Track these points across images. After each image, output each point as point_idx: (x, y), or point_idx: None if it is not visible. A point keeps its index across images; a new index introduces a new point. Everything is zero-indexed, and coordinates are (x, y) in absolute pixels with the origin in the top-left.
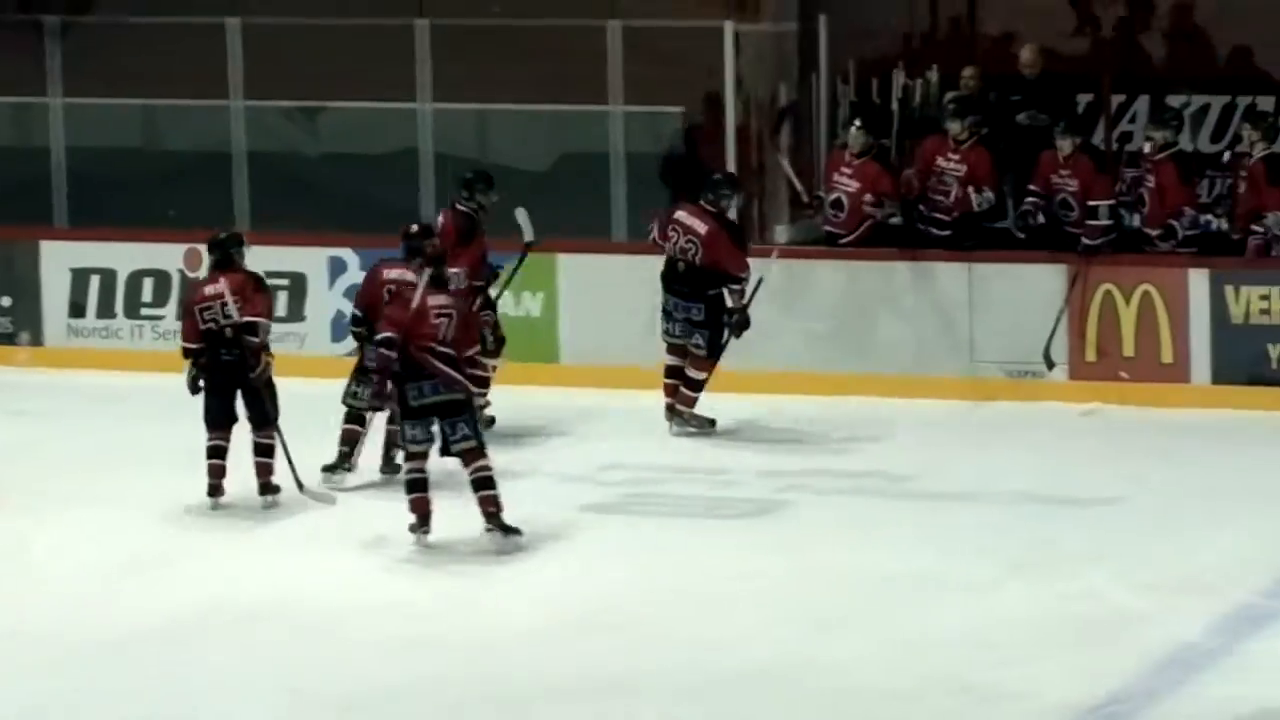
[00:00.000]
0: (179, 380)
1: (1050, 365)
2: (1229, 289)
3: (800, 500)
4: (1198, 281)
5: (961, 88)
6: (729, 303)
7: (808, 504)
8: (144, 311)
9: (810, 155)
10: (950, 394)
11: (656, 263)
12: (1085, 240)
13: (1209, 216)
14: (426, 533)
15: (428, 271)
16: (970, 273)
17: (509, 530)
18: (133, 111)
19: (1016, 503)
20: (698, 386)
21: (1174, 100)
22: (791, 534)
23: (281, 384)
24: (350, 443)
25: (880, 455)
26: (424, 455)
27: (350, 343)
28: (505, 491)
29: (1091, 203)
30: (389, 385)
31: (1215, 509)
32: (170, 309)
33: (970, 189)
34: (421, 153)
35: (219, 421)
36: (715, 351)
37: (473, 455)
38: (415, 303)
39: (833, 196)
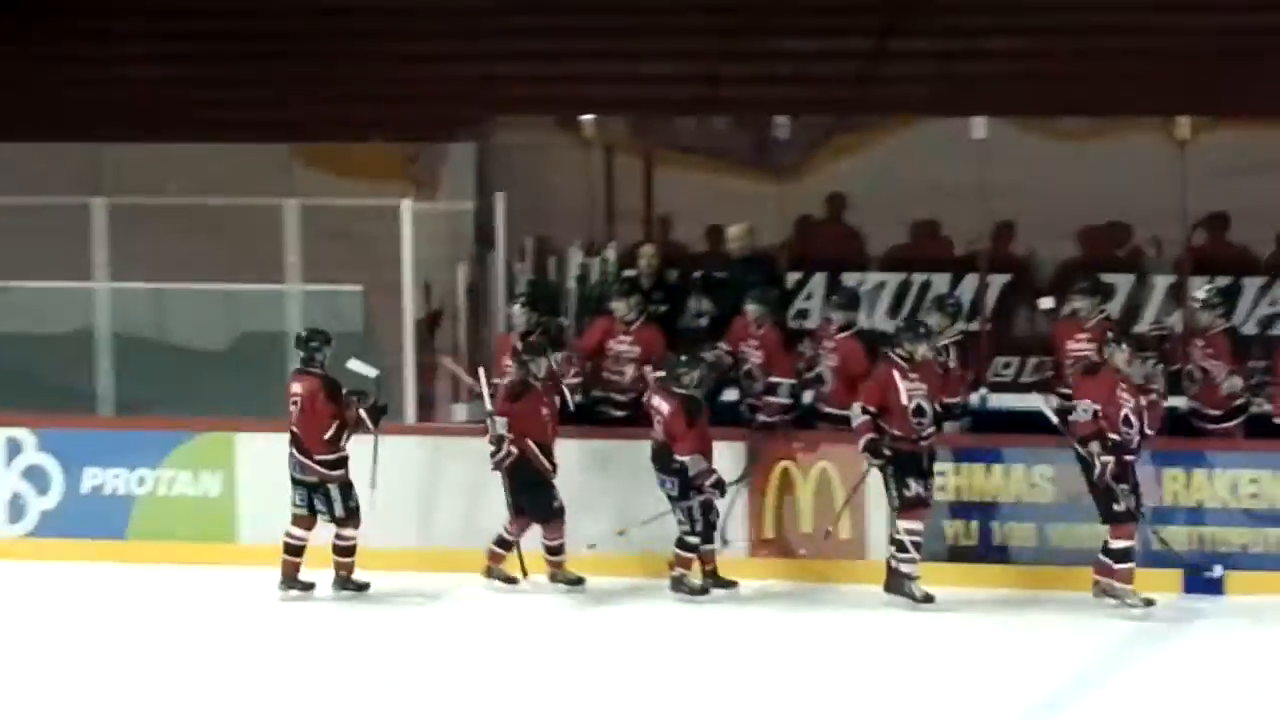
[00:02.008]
0: None
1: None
2: None
3: None
4: None
5: (640, 267)
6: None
7: None
8: None
9: (490, 334)
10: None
11: None
12: (763, 417)
13: None
14: None
15: None
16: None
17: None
18: None
19: None
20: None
21: (850, 279)
22: None
23: None
24: None
25: None
26: None
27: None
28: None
29: (772, 380)
30: None
31: None
32: None
33: (647, 369)
34: (98, 332)
35: None
36: None
37: None
38: None
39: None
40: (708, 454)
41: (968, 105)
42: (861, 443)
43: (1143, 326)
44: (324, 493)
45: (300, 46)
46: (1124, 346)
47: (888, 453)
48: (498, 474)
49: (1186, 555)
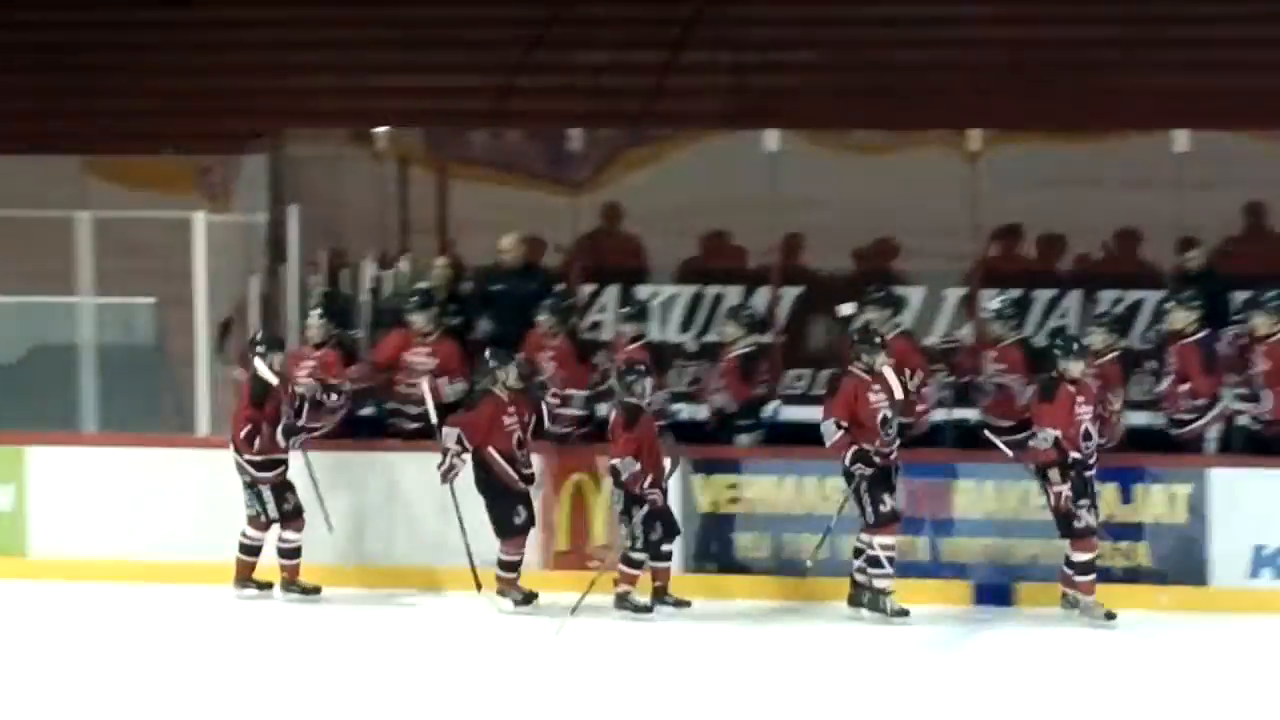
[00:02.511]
0: None
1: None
2: (698, 478)
3: None
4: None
5: (434, 278)
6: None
7: None
8: None
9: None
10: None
11: (129, 453)
12: (556, 428)
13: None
14: None
15: None
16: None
17: None
18: None
19: None
20: None
21: (643, 291)
22: None
23: None
24: None
25: None
26: None
27: None
28: None
29: (568, 391)
30: None
31: None
32: None
33: (443, 380)
34: None
35: None
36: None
37: None
38: None
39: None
40: (654, 465)
41: (760, 119)
42: (849, 455)
43: (934, 339)
44: (256, 493)
45: (93, 59)
46: (1070, 355)
47: (878, 460)
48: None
49: None
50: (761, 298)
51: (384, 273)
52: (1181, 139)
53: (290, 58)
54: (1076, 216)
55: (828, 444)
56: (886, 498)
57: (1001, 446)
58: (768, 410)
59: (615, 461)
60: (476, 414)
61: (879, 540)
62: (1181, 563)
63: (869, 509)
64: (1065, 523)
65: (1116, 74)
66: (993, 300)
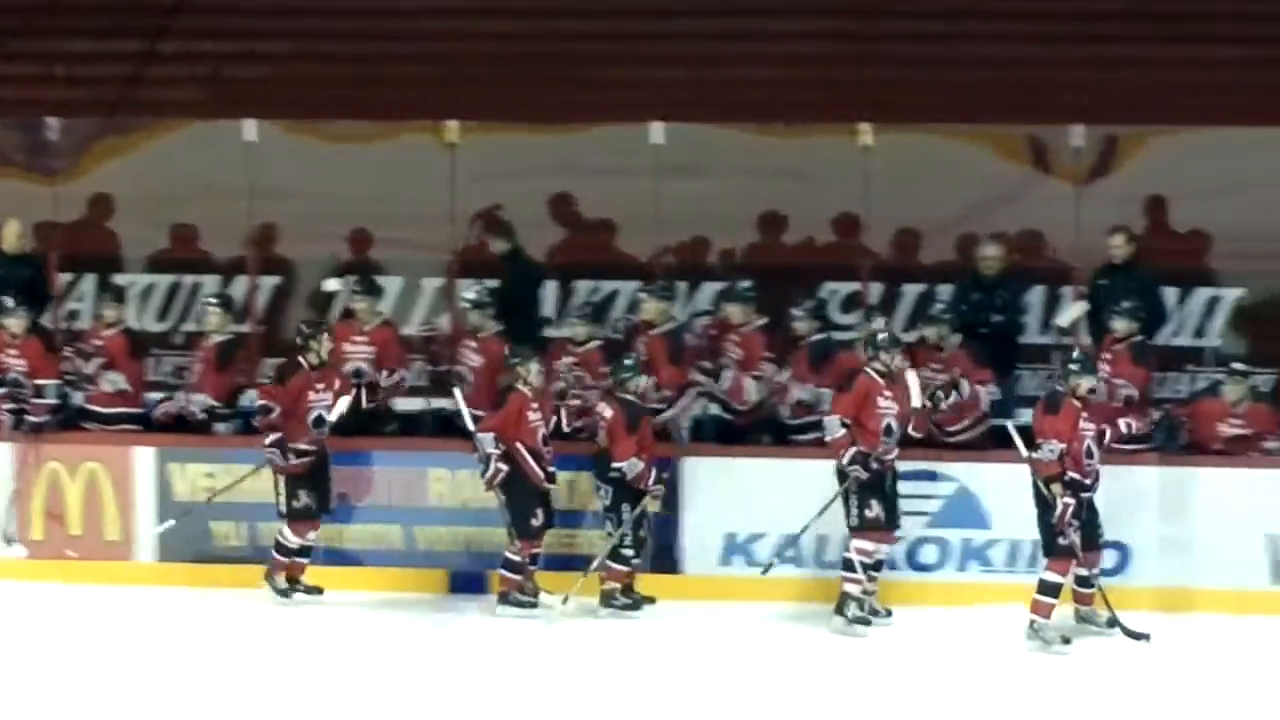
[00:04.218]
0: None
1: (9, 541)
2: (174, 466)
3: None
4: (143, 459)
5: None
6: None
7: None
8: None
9: None
10: None
11: None
12: (32, 418)
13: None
14: None
15: None
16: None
17: None
18: None
19: None
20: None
21: (122, 280)
22: None
23: None
24: None
25: None
26: None
27: None
28: None
29: (39, 382)
30: None
31: None
32: None
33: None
34: None
35: None
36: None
37: None
38: None
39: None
40: (652, 461)
41: (239, 108)
42: (847, 455)
43: (412, 328)
44: (275, 482)
45: None
46: (1080, 370)
47: (876, 466)
48: None
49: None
50: (240, 287)
51: None
52: (658, 130)
53: None
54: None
55: (828, 440)
56: (874, 503)
57: (1020, 447)
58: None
59: (622, 465)
60: (505, 412)
61: (856, 544)
62: (655, 551)
63: (854, 512)
64: (1050, 537)
65: (595, 66)
66: (469, 290)
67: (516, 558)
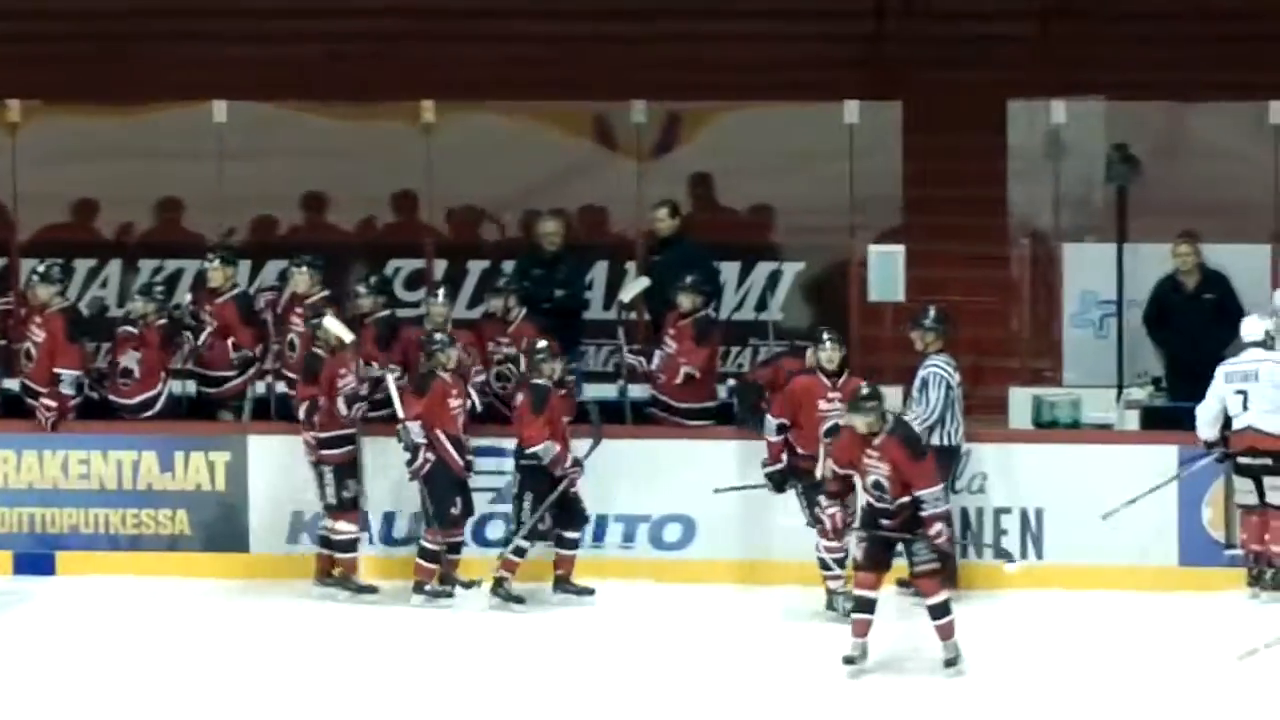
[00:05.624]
0: None
1: None
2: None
3: None
4: None
5: None
6: None
7: None
8: None
9: None
10: None
11: None
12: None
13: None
14: None
15: None
16: None
17: None
18: None
19: None
20: None
21: None
22: None
23: None
24: None
25: None
26: None
27: None
28: None
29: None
30: None
31: None
32: None
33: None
34: None
35: None
36: None
37: None
38: None
39: None
40: (565, 444)
41: None
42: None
43: None
44: (319, 474)
45: None
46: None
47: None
48: None
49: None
50: None
51: None
52: (220, 109)
53: None
54: (119, 187)
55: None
56: (824, 501)
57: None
58: None
59: (537, 449)
60: (429, 399)
61: (824, 544)
62: (222, 530)
63: (809, 513)
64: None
65: (157, 45)
66: (40, 266)
67: (433, 546)
